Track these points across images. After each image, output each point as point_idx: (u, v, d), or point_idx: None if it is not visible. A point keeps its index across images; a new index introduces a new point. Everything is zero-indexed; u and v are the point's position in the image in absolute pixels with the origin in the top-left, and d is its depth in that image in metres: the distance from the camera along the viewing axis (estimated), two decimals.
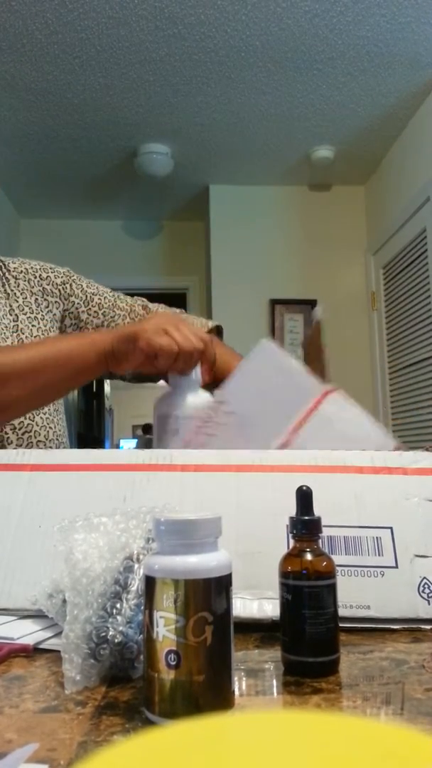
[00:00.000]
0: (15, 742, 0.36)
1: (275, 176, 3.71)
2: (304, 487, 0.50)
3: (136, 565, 0.48)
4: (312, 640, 0.46)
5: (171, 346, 0.82)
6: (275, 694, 0.45)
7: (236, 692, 0.42)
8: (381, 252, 3.57)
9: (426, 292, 3.00)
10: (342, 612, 0.51)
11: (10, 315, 1.05)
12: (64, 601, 0.48)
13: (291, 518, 0.50)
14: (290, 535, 0.51)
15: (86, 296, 1.12)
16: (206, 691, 0.38)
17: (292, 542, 0.50)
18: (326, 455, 0.67)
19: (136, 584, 0.47)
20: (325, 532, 0.53)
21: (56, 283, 1.11)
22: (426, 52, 2.63)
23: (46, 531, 0.62)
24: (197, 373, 0.86)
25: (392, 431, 3.42)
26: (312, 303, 3.69)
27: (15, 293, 1.07)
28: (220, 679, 0.38)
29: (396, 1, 2.36)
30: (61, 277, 1.12)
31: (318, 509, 0.50)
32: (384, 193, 3.56)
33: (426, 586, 0.58)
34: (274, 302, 3.69)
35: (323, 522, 0.50)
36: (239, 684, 0.45)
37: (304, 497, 0.50)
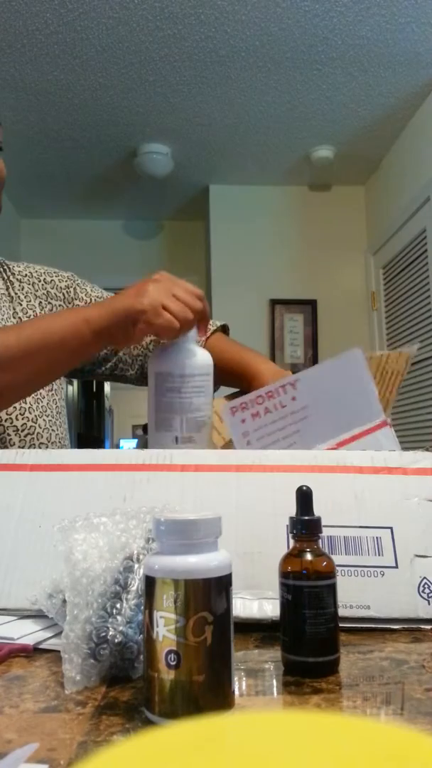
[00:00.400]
0: (15, 742, 0.36)
1: (275, 176, 3.71)
2: (304, 487, 0.50)
3: (136, 565, 0.48)
4: (312, 640, 0.46)
5: (171, 323, 0.78)
6: (275, 694, 0.45)
7: (236, 692, 0.42)
8: (381, 252, 3.57)
9: (426, 292, 3.00)
10: (342, 612, 0.51)
11: (14, 318, 1.04)
12: (64, 601, 0.48)
13: (291, 518, 0.50)
14: (290, 535, 0.51)
15: (90, 300, 1.11)
16: (206, 691, 0.38)
17: (292, 542, 0.50)
18: (326, 455, 0.67)
19: (136, 584, 0.47)
20: (325, 532, 0.53)
21: (60, 287, 1.11)
22: (426, 52, 2.63)
23: (46, 531, 0.62)
24: (194, 330, 0.84)
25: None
26: (312, 303, 3.69)
27: (19, 296, 1.07)
28: (220, 679, 0.38)
29: (396, 1, 2.36)
30: (65, 281, 1.12)
31: (318, 509, 0.50)
32: (384, 193, 3.56)
33: (426, 586, 0.58)
34: (274, 302, 3.69)
35: (323, 522, 0.50)
36: (239, 684, 0.45)
37: (304, 497, 0.50)
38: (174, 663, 0.38)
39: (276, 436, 0.78)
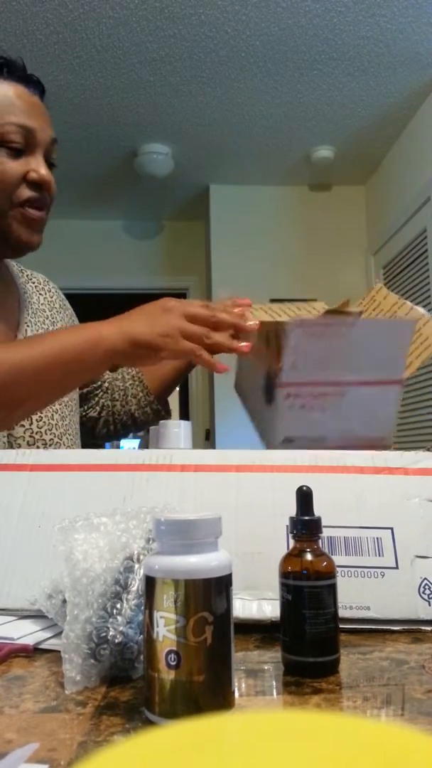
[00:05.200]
0: (15, 742, 0.36)
1: (275, 176, 3.71)
2: (305, 487, 0.50)
3: (137, 566, 0.48)
4: (312, 641, 0.46)
5: (196, 351, 0.77)
6: (275, 694, 0.45)
7: (236, 692, 0.42)
8: (381, 252, 3.57)
9: (426, 293, 3.00)
10: (342, 613, 0.51)
11: (26, 325, 1.04)
12: (64, 601, 0.48)
13: (291, 518, 0.50)
14: (290, 535, 0.51)
15: None
16: (206, 691, 0.38)
17: (292, 542, 0.50)
18: (327, 455, 0.67)
19: (136, 584, 0.47)
20: (326, 532, 0.53)
21: (66, 304, 1.14)
22: (426, 52, 2.63)
23: (46, 531, 0.62)
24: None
25: None
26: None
27: (56, 315, 1.09)
28: (220, 680, 0.38)
29: (396, 1, 2.36)
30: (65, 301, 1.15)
31: (318, 509, 0.50)
32: (384, 193, 3.56)
33: (426, 587, 0.58)
34: (274, 302, 3.69)
35: (323, 522, 0.50)
36: (239, 684, 0.45)
37: (305, 497, 0.50)
38: (174, 663, 0.37)
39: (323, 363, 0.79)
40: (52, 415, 0.97)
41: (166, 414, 1.14)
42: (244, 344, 0.81)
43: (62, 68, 2.69)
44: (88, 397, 1.13)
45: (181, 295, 4.24)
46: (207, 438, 3.82)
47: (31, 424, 0.94)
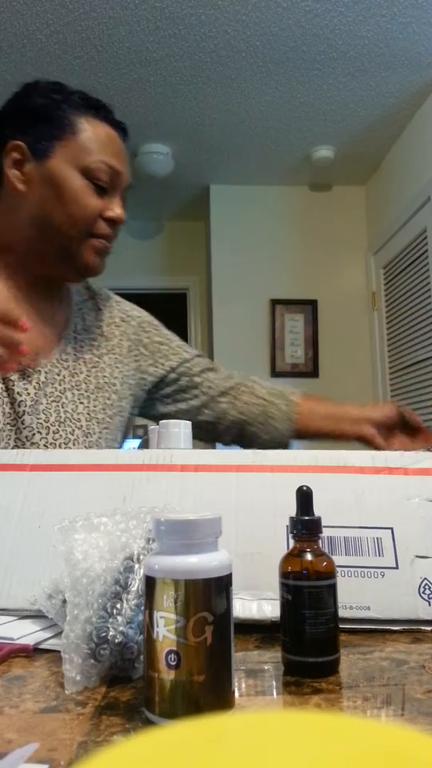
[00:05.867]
0: (15, 742, 0.36)
1: (275, 176, 3.71)
2: (305, 487, 0.50)
3: (137, 566, 0.48)
4: (312, 641, 0.46)
5: None
6: (275, 694, 0.45)
7: (236, 692, 0.42)
8: (381, 252, 3.57)
9: (426, 292, 3.00)
10: (342, 613, 0.51)
11: (97, 350, 1.04)
12: (64, 601, 0.48)
13: (291, 518, 0.50)
14: (290, 535, 0.51)
15: (151, 343, 1.12)
16: (206, 691, 0.38)
17: (292, 542, 0.50)
18: (327, 455, 0.67)
19: (136, 584, 0.47)
20: (326, 532, 0.53)
21: (154, 341, 1.12)
22: (426, 52, 2.63)
23: (46, 531, 0.62)
24: None
25: None
26: (312, 303, 3.69)
27: (113, 332, 1.08)
28: (220, 680, 0.38)
29: (396, 1, 2.36)
30: (160, 337, 1.14)
31: (318, 509, 0.50)
32: (384, 193, 3.56)
33: (426, 587, 0.58)
34: (274, 302, 3.69)
35: (323, 522, 0.50)
36: (239, 684, 0.45)
37: (304, 497, 0.50)
38: (174, 663, 0.37)
39: None
40: (73, 430, 0.96)
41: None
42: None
43: (62, 68, 2.69)
44: (186, 389, 1.12)
45: (181, 295, 4.25)
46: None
47: (47, 433, 0.93)
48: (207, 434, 1.15)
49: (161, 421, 0.78)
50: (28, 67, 2.67)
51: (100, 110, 0.98)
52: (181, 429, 0.77)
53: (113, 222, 0.96)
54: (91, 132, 0.94)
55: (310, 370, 3.66)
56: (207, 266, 3.94)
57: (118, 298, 1.15)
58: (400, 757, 0.16)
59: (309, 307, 3.70)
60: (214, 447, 1.23)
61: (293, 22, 2.46)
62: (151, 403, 1.13)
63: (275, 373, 3.56)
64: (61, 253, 0.95)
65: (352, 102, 2.98)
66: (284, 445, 1.11)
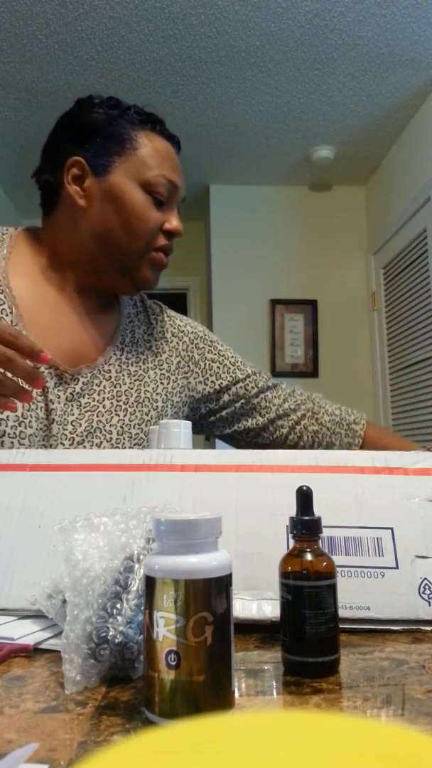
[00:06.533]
0: (15, 742, 0.36)
1: (275, 176, 3.71)
2: (305, 487, 0.50)
3: (137, 566, 0.48)
4: (312, 641, 0.46)
5: None
6: (275, 694, 0.45)
7: (236, 692, 0.42)
8: (381, 252, 3.58)
9: (426, 293, 3.00)
10: (342, 613, 0.51)
11: (144, 364, 1.03)
12: (64, 601, 0.48)
13: (291, 518, 0.50)
14: (290, 535, 0.51)
15: (205, 363, 1.10)
16: (206, 691, 0.38)
17: (292, 542, 0.50)
18: (327, 455, 0.67)
19: (136, 584, 0.47)
20: (326, 532, 0.53)
21: (207, 358, 1.10)
22: (426, 52, 2.63)
23: (46, 531, 0.62)
24: None
25: (392, 431, 3.42)
26: (312, 303, 3.69)
27: (163, 348, 1.07)
28: (220, 680, 0.38)
29: (396, 1, 2.36)
30: (213, 353, 1.11)
31: (318, 509, 0.50)
32: (384, 194, 3.56)
33: (426, 587, 0.58)
34: (274, 302, 3.69)
35: (323, 522, 0.50)
36: (239, 684, 0.45)
37: (304, 497, 0.50)
38: (174, 663, 0.37)
39: None
40: (101, 442, 0.94)
41: None
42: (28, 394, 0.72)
43: (62, 68, 2.69)
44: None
45: (181, 295, 4.24)
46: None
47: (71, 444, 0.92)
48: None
49: (161, 421, 0.78)
50: (28, 67, 2.68)
51: (156, 124, 1.00)
52: (182, 429, 0.77)
53: (171, 234, 0.98)
54: (150, 147, 0.96)
55: (310, 370, 3.66)
56: (207, 266, 3.94)
57: (172, 313, 1.15)
58: (400, 757, 0.16)
59: (309, 307, 3.70)
60: (214, 447, 1.23)
61: (293, 22, 2.46)
62: (209, 426, 1.12)
63: (275, 373, 3.56)
64: (121, 266, 0.96)
65: (352, 102, 2.98)
66: None
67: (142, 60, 2.67)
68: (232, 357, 1.13)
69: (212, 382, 1.09)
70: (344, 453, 0.68)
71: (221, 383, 1.09)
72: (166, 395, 1.03)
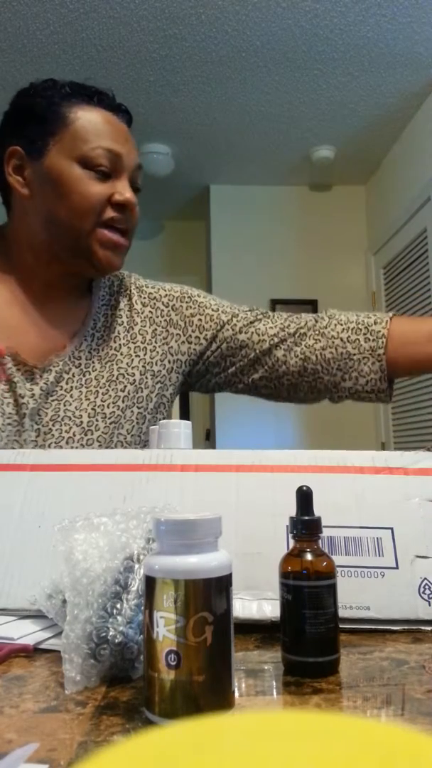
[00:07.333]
0: (15, 742, 0.36)
1: (275, 176, 3.71)
2: (304, 487, 0.50)
3: (137, 566, 0.48)
4: (312, 641, 0.46)
5: None
6: (275, 694, 0.45)
7: (236, 692, 0.42)
8: (381, 252, 3.58)
9: (426, 292, 3.00)
10: (342, 613, 0.51)
11: (115, 342, 1.00)
12: (64, 601, 0.48)
13: (291, 518, 0.50)
14: (290, 535, 0.51)
15: (198, 310, 1.04)
16: (206, 691, 0.38)
17: (292, 542, 0.50)
18: (327, 455, 0.67)
19: (136, 584, 0.47)
20: (326, 532, 0.53)
21: (186, 315, 1.04)
22: (426, 52, 2.63)
23: (46, 531, 0.62)
24: None
25: (392, 431, 3.42)
26: (312, 303, 3.69)
27: (135, 320, 1.02)
28: (220, 680, 0.38)
29: (396, 1, 2.36)
30: (193, 308, 1.05)
31: (318, 509, 0.50)
32: (384, 193, 3.56)
33: (426, 587, 0.58)
34: (274, 302, 3.69)
35: (323, 522, 0.50)
36: (239, 684, 0.45)
37: (304, 497, 0.50)
38: (174, 663, 0.37)
39: None
40: (70, 428, 0.93)
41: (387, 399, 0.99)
42: None
43: (62, 68, 2.69)
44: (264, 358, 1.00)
45: None
46: (207, 438, 3.82)
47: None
48: (277, 397, 1.03)
49: (161, 421, 0.78)
50: (28, 67, 2.68)
51: (93, 96, 0.94)
52: (181, 429, 0.77)
53: (122, 206, 0.92)
54: (84, 120, 0.91)
55: None
56: (207, 266, 3.94)
57: (143, 282, 1.09)
58: (400, 757, 0.16)
59: (309, 307, 3.70)
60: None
61: (293, 22, 2.46)
62: (205, 379, 1.05)
63: None
64: (73, 249, 0.92)
65: (352, 102, 2.98)
66: (381, 392, 0.97)
67: (142, 60, 2.67)
68: (214, 304, 1.05)
69: (196, 337, 1.03)
70: (344, 453, 0.68)
71: (206, 335, 1.02)
72: (143, 366, 1.00)
